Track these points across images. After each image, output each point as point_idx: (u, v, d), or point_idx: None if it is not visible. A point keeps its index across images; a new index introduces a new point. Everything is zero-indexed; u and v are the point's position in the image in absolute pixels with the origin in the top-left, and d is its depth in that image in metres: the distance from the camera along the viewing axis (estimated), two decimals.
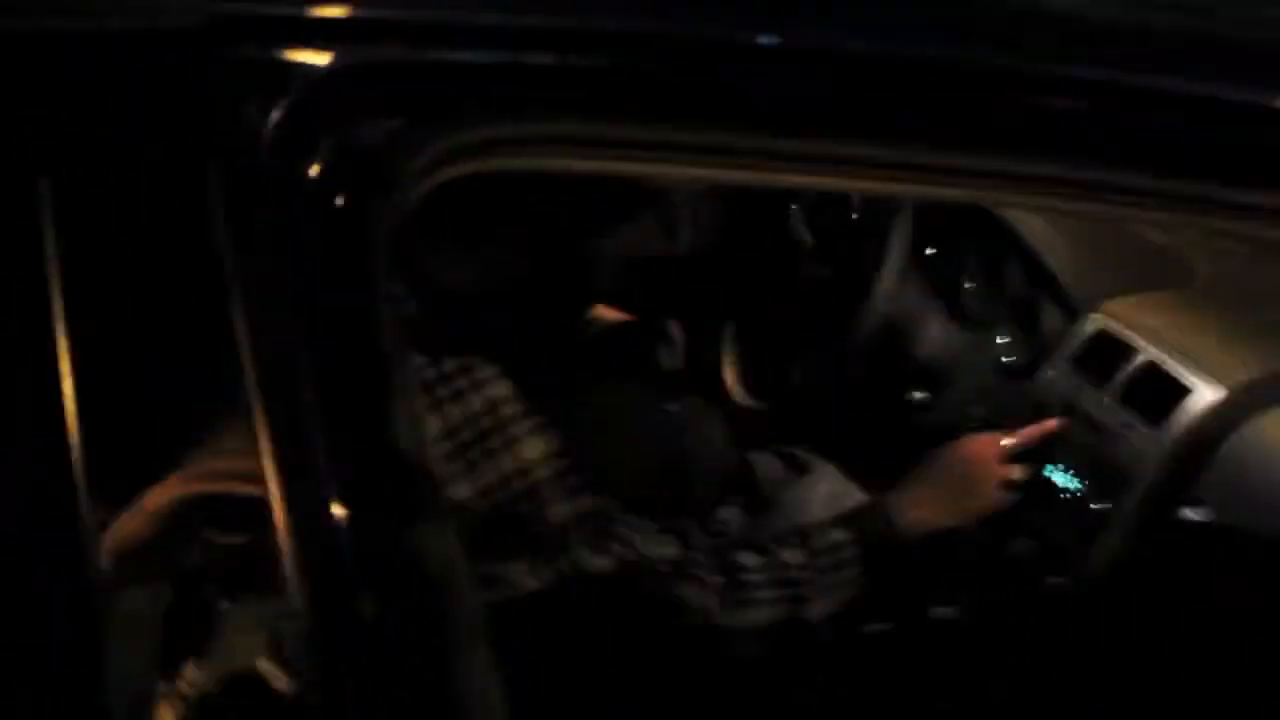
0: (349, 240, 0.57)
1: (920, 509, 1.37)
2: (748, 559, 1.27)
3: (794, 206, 1.77)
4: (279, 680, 0.61)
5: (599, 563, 1.17)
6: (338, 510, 0.54)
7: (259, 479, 0.54)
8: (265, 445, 0.54)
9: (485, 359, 1.13)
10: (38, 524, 0.54)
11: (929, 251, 1.74)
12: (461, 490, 1.09)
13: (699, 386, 1.68)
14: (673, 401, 1.52)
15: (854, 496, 1.53)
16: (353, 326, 0.56)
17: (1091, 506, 1.41)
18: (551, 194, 1.15)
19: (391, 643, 0.55)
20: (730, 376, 1.80)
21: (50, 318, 0.53)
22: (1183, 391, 1.36)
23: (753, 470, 1.68)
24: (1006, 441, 1.43)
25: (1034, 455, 1.45)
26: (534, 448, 1.12)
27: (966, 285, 1.72)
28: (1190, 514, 1.34)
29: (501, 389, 1.12)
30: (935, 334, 1.69)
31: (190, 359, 0.58)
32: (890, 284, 1.59)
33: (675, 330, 1.66)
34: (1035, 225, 1.66)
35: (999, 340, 1.65)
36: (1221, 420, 1.33)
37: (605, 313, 1.55)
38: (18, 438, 0.54)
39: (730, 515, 1.59)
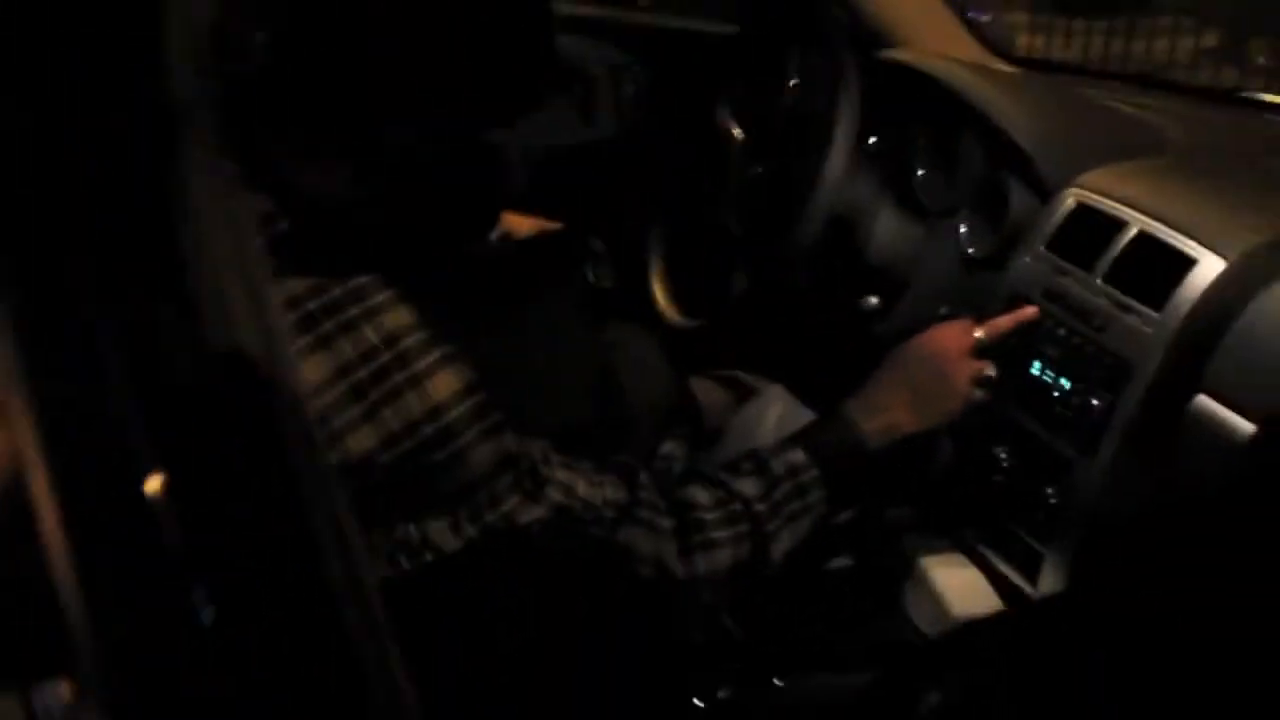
0: None
1: (885, 414, 1.27)
2: (700, 495, 1.18)
3: (722, 97, 1.69)
4: None
5: (533, 513, 1.06)
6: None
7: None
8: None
9: (378, 281, 1.00)
10: None
11: (872, 140, 1.66)
12: (361, 441, 0.96)
13: (627, 305, 1.64)
14: (600, 323, 1.47)
15: (807, 418, 1.44)
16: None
17: (1088, 403, 1.28)
18: (437, 71, 1.01)
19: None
20: (660, 292, 1.75)
21: None
22: (1183, 264, 1.24)
23: (694, 397, 1.64)
24: (978, 332, 1.33)
25: (1012, 348, 1.34)
26: (444, 384, 0.98)
27: (919, 172, 1.65)
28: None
29: (401, 315, 0.98)
30: (887, 229, 1.62)
31: None
32: (834, 176, 1.49)
33: (597, 243, 1.59)
34: (992, 97, 1.55)
35: (961, 230, 1.56)
36: (1231, 292, 1.21)
37: (518, 221, 1.50)
38: None
39: (673, 449, 1.55)
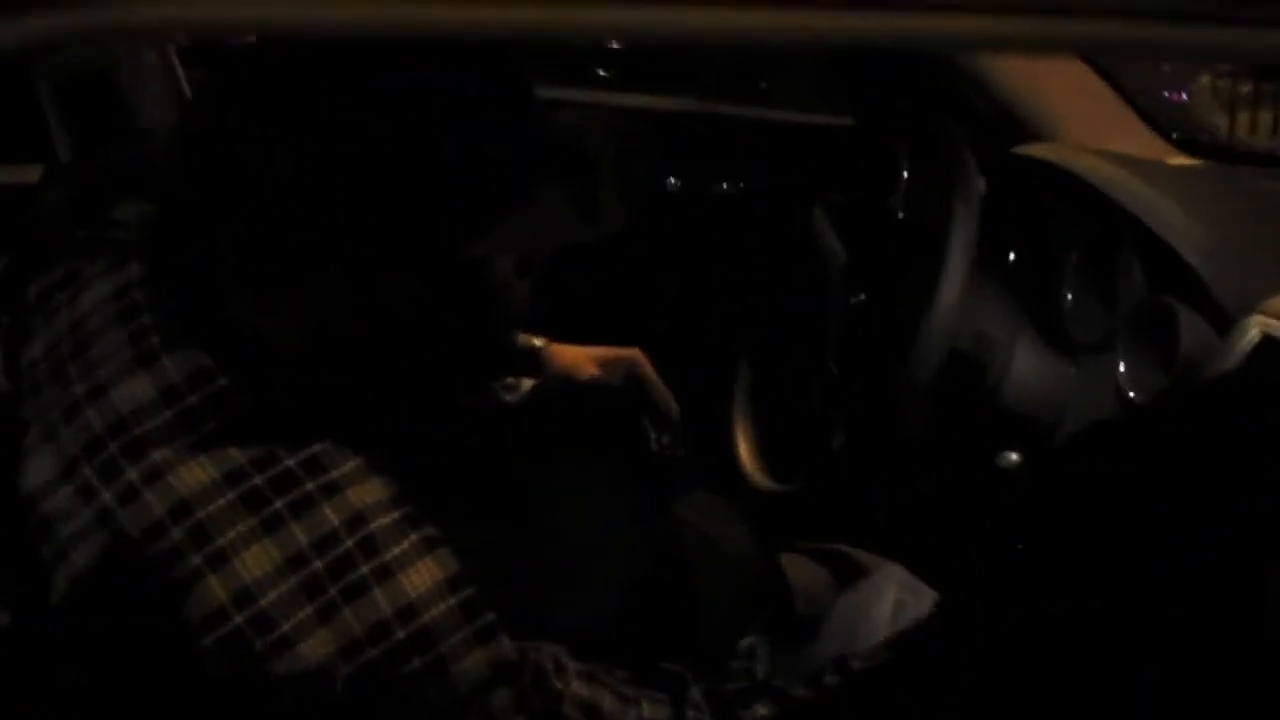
0: None
1: None
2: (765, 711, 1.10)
3: (818, 206, 1.63)
4: None
5: None
6: None
7: None
8: None
9: (341, 449, 0.94)
10: None
11: (1010, 257, 1.56)
12: (315, 649, 0.89)
13: (699, 468, 1.53)
14: (661, 493, 1.37)
15: (930, 602, 1.38)
16: None
17: None
18: (390, 175, 0.95)
19: None
20: (744, 449, 1.65)
21: None
22: None
23: (784, 579, 1.51)
24: None
25: None
26: (422, 576, 0.93)
27: (1068, 296, 1.52)
28: None
29: (369, 490, 0.94)
30: (1027, 366, 1.49)
31: None
32: (950, 302, 1.37)
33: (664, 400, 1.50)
34: (1154, 202, 1.44)
35: (1120, 368, 1.43)
36: None
37: (574, 356, 1.48)
38: None
39: (754, 646, 1.41)
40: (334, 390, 1.00)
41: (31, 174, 1.57)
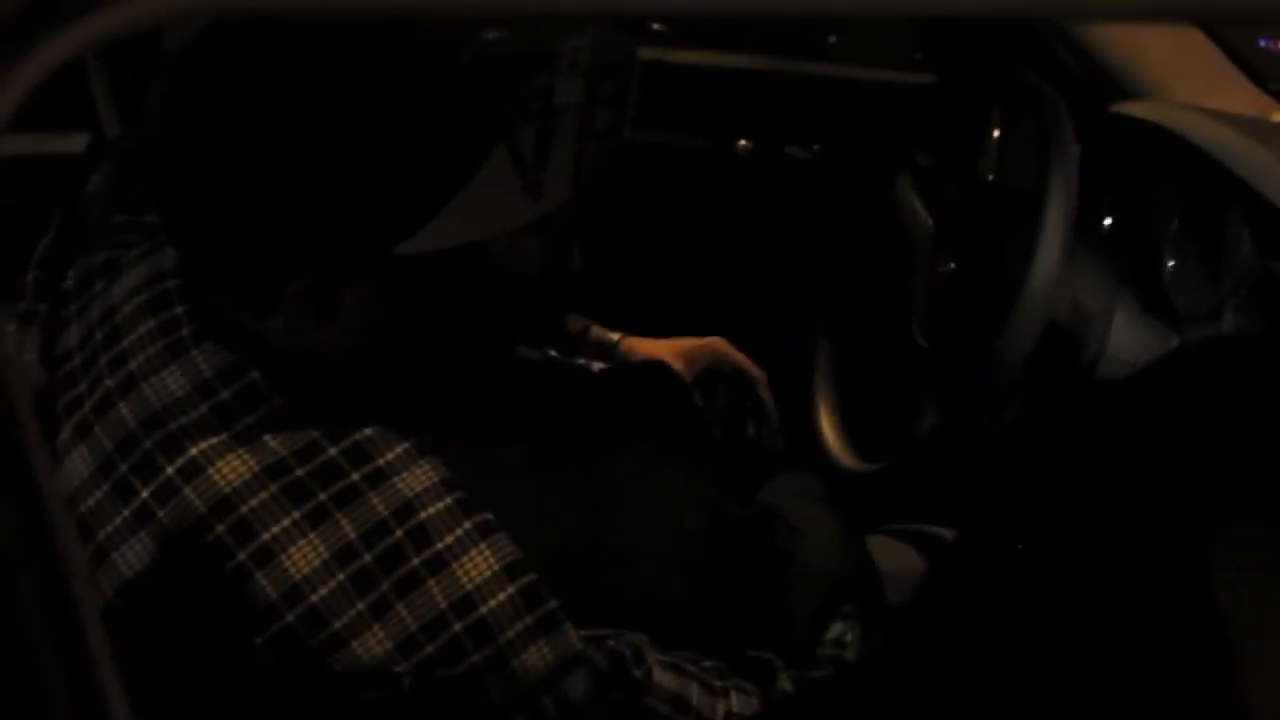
0: None
1: None
2: None
3: (904, 171, 1.65)
4: None
5: None
6: None
7: None
8: None
9: (387, 434, 0.96)
10: None
11: (1107, 222, 1.56)
12: (372, 647, 0.91)
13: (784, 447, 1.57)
14: (741, 473, 1.42)
15: None
16: None
17: None
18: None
19: None
20: (828, 430, 1.69)
21: None
22: None
23: (873, 564, 1.52)
24: None
25: None
26: (479, 564, 0.94)
27: (1169, 263, 1.50)
28: None
29: (419, 476, 0.94)
30: (1127, 338, 1.49)
31: None
32: (1048, 271, 1.38)
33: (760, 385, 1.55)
34: (1263, 163, 1.40)
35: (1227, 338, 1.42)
36: None
37: (651, 348, 1.49)
38: None
39: (843, 633, 1.41)
40: (370, 378, 1.02)
41: (77, 144, 1.63)
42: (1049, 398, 1.51)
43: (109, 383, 0.98)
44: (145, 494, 0.92)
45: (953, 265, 1.56)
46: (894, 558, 1.58)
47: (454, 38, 0.88)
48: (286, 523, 0.91)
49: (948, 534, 1.59)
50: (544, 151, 0.92)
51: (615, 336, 1.53)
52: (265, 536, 0.90)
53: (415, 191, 0.90)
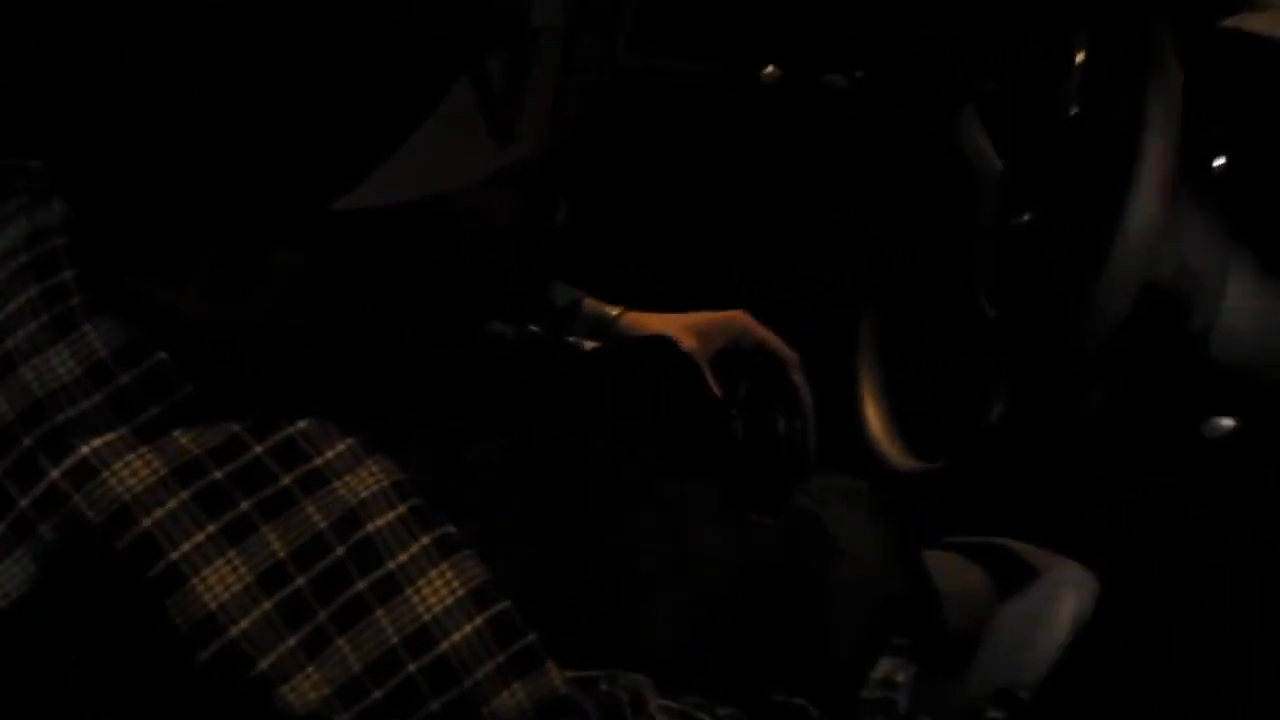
0: None
1: None
2: None
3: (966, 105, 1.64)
4: None
5: None
6: None
7: None
8: None
9: (324, 427, 0.92)
10: None
11: (1217, 163, 1.55)
12: (305, 691, 0.88)
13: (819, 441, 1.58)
14: (769, 478, 1.43)
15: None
16: None
17: None
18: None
19: None
20: (875, 420, 1.65)
21: None
22: None
23: (930, 584, 1.54)
24: None
25: None
26: (438, 588, 0.91)
27: None
28: None
29: (364, 479, 0.91)
30: (1244, 305, 1.51)
31: None
32: (1145, 224, 1.36)
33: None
34: None
35: None
36: None
37: (665, 323, 1.51)
38: None
39: (892, 672, 1.44)
40: (304, 359, 0.99)
41: None
42: (1146, 379, 1.50)
43: None
44: (24, 503, 0.89)
45: (1027, 217, 1.54)
46: (955, 576, 1.59)
47: None
48: (200, 538, 0.87)
49: (1020, 547, 1.59)
50: (517, 85, 0.90)
51: (614, 311, 1.53)
52: (173, 555, 0.86)
53: (356, 133, 0.88)
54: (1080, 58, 1.55)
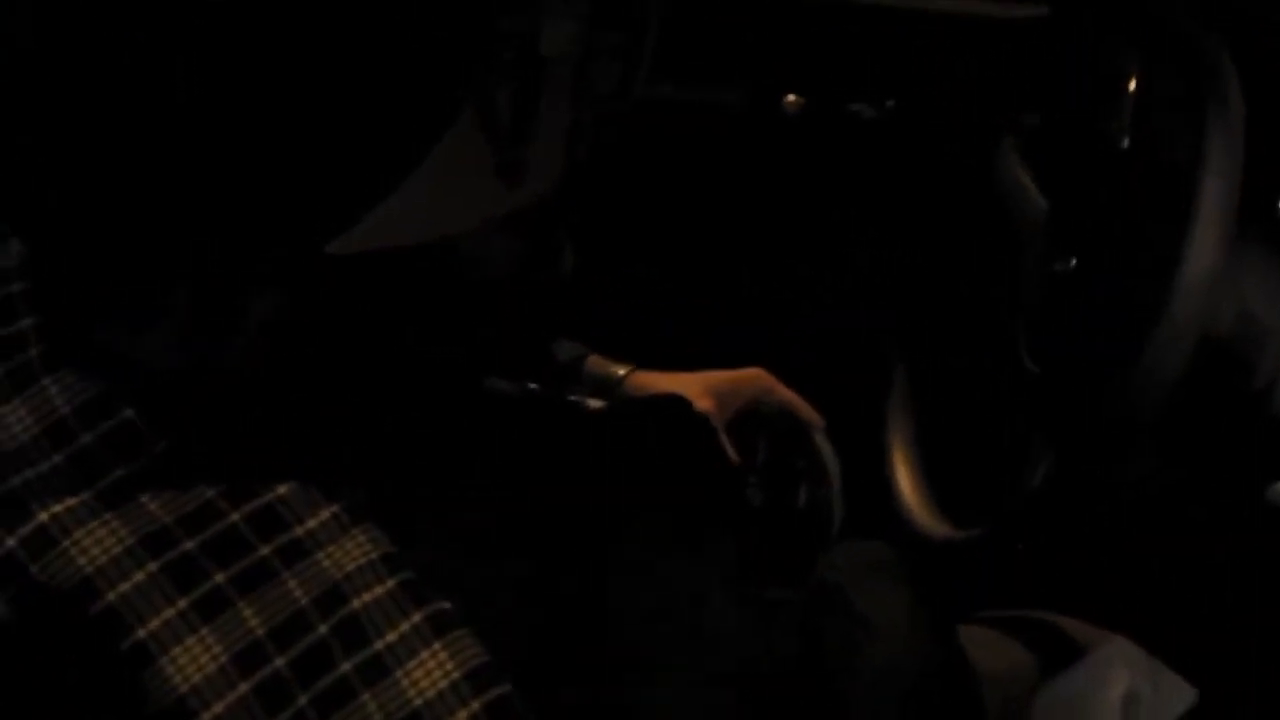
0: None
1: None
2: None
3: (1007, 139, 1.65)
4: None
5: None
6: None
7: None
8: None
9: (307, 492, 0.93)
10: None
11: None
12: None
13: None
14: (785, 555, 1.41)
15: (1180, 695, 1.48)
16: None
17: None
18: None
19: None
20: (908, 486, 1.66)
21: None
22: None
23: (967, 663, 1.47)
24: None
25: None
26: (429, 670, 0.91)
27: None
28: None
29: (350, 550, 0.92)
30: None
31: None
32: (1204, 270, 1.35)
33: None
34: None
35: None
36: None
37: (678, 384, 1.51)
38: None
39: None
40: (286, 418, 0.99)
41: None
42: (1205, 439, 1.49)
43: None
44: None
45: (1073, 262, 1.53)
46: (994, 653, 1.56)
47: None
48: (170, 614, 0.87)
49: (1065, 621, 1.59)
50: (526, 119, 0.90)
51: (621, 370, 1.54)
52: (141, 633, 0.86)
53: (349, 171, 0.88)
54: (1132, 85, 1.54)
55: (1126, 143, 1.53)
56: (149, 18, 0.85)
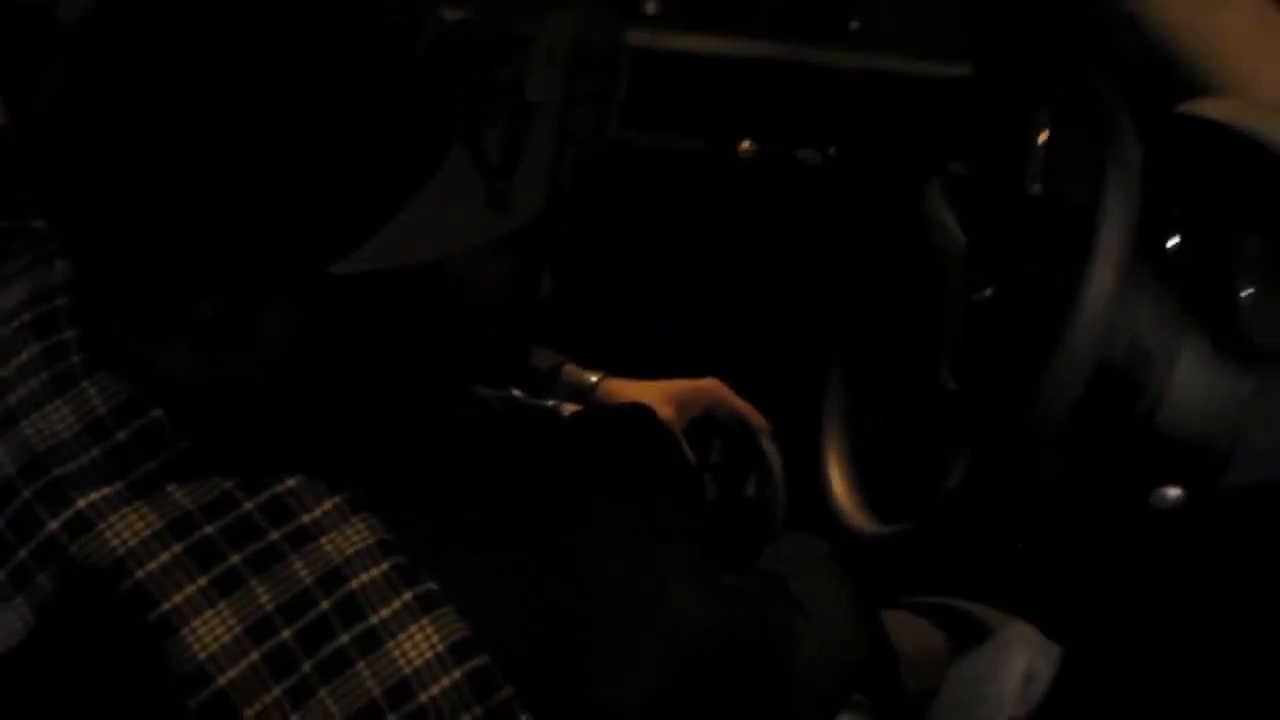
0: None
1: None
2: None
3: (932, 180, 1.66)
4: None
5: None
6: None
7: None
8: None
9: (314, 484, 0.97)
10: None
11: (1171, 243, 1.57)
12: None
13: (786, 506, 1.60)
14: (735, 542, 1.48)
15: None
16: None
17: None
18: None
19: None
20: (839, 486, 1.69)
21: None
22: None
23: (889, 645, 1.59)
24: None
25: None
26: (419, 643, 0.95)
27: (1244, 292, 1.53)
28: None
29: (350, 536, 0.97)
30: (1193, 380, 1.50)
31: None
32: (1101, 301, 1.38)
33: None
34: None
35: None
36: None
37: (638, 391, 1.56)
38: None
39: None
40: (295, 419, 1.03)
41: None
42: (1098, 451, 1.52)
43: None
44: (23, 553, 0.94)
45: (988, 292, 1.57)
46: (913, 636, 1.63)
47: (409, 16, 0.90)
48: (191, 590, 0.91)
49: (975, 608, 1.63)
50: (513, 156, 0.93)
51: (593, 377, 1.56)
52: (166, 606, 0.91)
53: (355, 199, 0.91)
54: (1043, 138, 1.57)
55: (1037, 188, 1.57)
56: (185, 63, 0.88)
